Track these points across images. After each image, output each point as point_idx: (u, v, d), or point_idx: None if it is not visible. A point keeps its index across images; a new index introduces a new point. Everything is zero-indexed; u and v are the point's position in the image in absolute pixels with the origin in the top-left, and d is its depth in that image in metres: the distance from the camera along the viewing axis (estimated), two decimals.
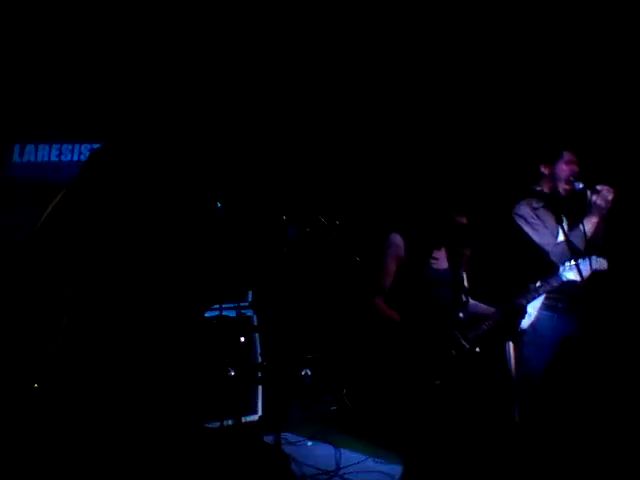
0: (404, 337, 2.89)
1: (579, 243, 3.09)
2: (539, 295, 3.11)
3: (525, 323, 3.25)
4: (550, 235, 3.22)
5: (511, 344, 3.40)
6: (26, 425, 2.63)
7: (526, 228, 3.25)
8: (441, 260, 3.06)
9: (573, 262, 2.97)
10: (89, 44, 4.14)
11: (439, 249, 3.07)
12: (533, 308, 3.24)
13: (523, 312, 3.11)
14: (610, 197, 3.02)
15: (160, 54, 4.34)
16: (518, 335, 3.28)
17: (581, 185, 3.09)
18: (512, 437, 2.84)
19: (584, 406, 3.22)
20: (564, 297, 3.22)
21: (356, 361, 4.60)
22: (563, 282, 3.04)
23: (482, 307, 3.20)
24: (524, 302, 3.08)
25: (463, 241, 3.10)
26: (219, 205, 3.34)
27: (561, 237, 3.17)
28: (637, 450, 3.31)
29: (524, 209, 3.28)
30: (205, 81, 4.49)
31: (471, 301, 3.15)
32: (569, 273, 3.00)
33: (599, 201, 3.03)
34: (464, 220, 3.09)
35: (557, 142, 3.33)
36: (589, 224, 3.07)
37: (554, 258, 3.15)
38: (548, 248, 3.18)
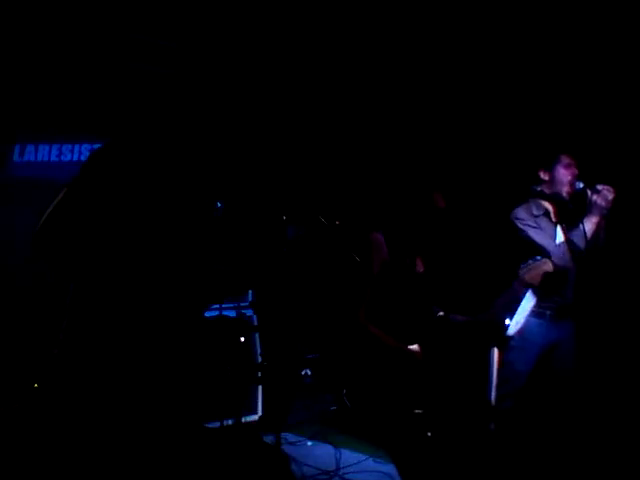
0: (392, 354, 2.91)
1: (580, 243, 3.10)
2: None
3: (513, 330, 3.26)
4: (550, 238, 3.22)
5: (496, 350, 3.41)
6: (26, 425, 2.64)
7: (528, 230, 3.25)
8: (418, 264, 3.06)
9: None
10: (90, 44, 4.14)
11: (415, 251, 3.07)
12: (522, 316, 3.26)
13: (501, 327, 3.13)
14: (611, 196, 3.02)
15: (161, 54, 4.34)
16: (504, 341, 3.28)
17: (581, 185, 3.10)
18: (487, 443, 2.86)
19: (565, 412, 3.24)
20: (553, 305, 3.23)
21: (356, 361, 4.60)
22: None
23: (460, 318, 3.22)
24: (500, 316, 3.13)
25: (440, 229, 3.10)
26: (219, 205, 3.33)
27: (561, 238, 3.17)
28: (622, 453, 3.33)
29: (523, 214, 3.28)
30: (205, 81, 4.49)
31: (452, 315, 3.16)
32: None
33: (599, 200, 3.03)
34: (441, 203, 3.07)
35: (553, 145, 3.32)
36: (590, 224, 3.07)
37: (555, 259, 3.15)
38: (549, 248, 3.19)
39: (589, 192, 3.06)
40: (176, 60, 4.38)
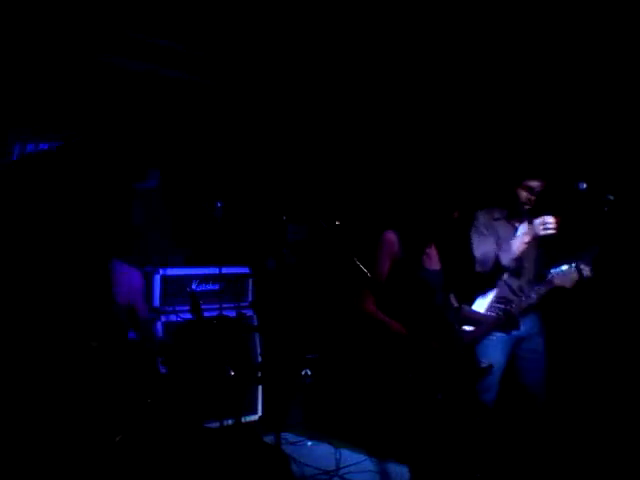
0: (396, 341, 2.87)
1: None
2: (533, 302, 3.15)
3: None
4: (491, 246, 3.27)
5: None
6: (27, 425, 2.64)
7: (473, 237, 3.31)
8: (433, 260, 3.03)
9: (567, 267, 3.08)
10: (90, 44, 4.15)
11: (430, 247, 3.04)
12: (482, 309, 3.28)
13: (517, 321, 3.11)
14: (549, 230, 3.06)
15: (161, 54, 4.35)
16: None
17: (584, 185, 3.13)
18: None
19: (547, 407, 3.29)
20: (510, 304, 3.23)
21: (356, 361, 4.61)
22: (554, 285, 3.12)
23: (476, 312, 3.21)
24: (518, 310, 3.12)
25: (454, 237, 3.10)
26: (219, 205, 3.33)
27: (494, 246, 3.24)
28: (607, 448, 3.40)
29: (482, 218, 3.36)
30: (206, 82, 4.49)
31: (465, 307, 3.14)
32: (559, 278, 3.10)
33: (539, 229, 3.09)
34: (455, 214, 3.07)
35: (522, 168, 3.32)
36: (524, 236, 3.15)
37: (479, 266, 3.23)
38: (479, 258, 3.24)
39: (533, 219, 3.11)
40: (176, 60, 4.38)
